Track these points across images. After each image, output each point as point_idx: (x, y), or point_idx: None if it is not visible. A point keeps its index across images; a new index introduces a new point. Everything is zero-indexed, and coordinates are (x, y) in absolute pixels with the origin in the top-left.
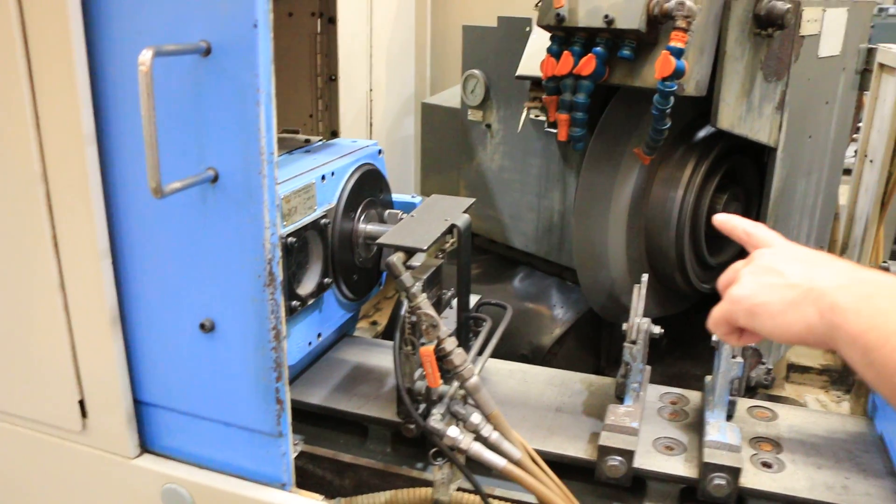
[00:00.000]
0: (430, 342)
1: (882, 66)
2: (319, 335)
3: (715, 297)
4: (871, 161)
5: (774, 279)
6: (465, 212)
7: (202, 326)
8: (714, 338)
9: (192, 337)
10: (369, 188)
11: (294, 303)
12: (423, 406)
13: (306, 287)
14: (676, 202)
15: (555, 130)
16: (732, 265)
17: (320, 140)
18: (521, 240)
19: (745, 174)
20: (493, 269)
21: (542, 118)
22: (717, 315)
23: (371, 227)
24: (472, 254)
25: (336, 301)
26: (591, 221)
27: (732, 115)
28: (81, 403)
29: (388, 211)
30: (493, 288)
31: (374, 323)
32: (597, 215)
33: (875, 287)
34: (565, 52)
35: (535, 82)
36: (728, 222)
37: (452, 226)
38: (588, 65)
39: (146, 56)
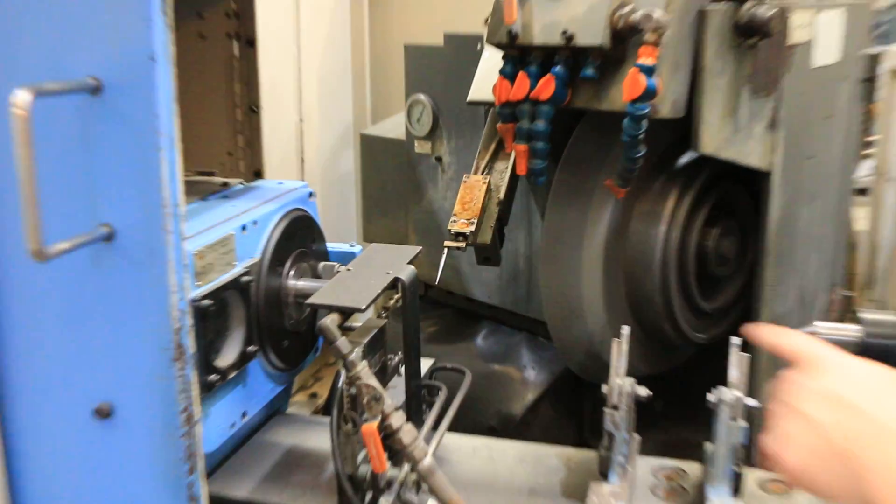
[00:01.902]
0: (374, 418)
1: (895, 72)
2: (244, 414)
3: (713, 348)
4: (890, 179)
5: (825, 446)
6: (411, 262)
7: (97, 412)
8: (712, 396)
9: (86, 425)
10: (300, 238)
11: (212, 377)
12: (368, 495)
13: (226, 358)
14: (659, 240)
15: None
16: (783, 375)
17: (240, 183)
18: (482, 290)
19: (737, 204)
20: (452, 325)
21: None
22: (764, 450)
23: (303, 284)
24: (427, 309)
25: (264, 372)
26: (562, 266)
27: (717, 138)
28: None
29: (322, 264)
30: (452, 348)
31: (314, 395)
32: (567, 259)
33: None
34: (520, 73)
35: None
36: (762, 336)
37: (396, 279)
38: (547, 87)
39: (23, 98)
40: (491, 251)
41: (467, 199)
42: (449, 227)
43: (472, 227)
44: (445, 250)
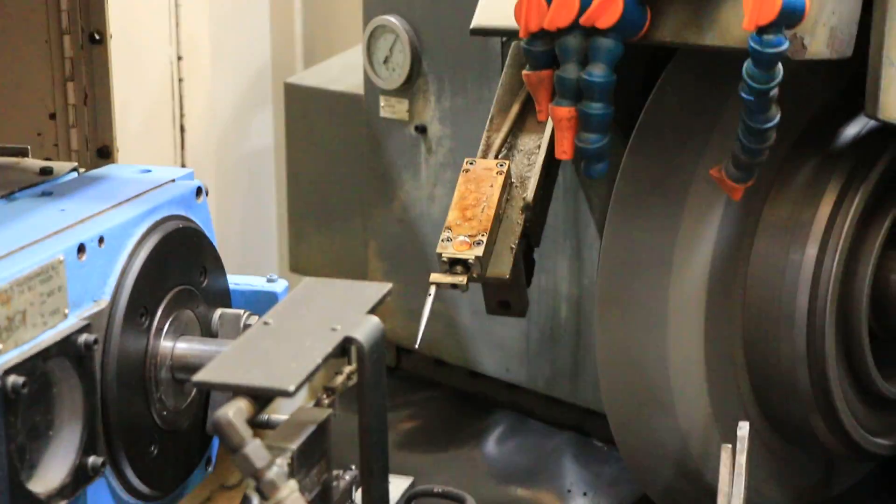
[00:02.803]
0: None
1: None
2: None
3: None
4: None
5: None
6: (373, 310)
7: None
8: None
9: None
10: (180, 267)
11: None
12: None
13: (50, 476)
14: (805, 272)
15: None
16: None
17: (74, 169)
18: (496, 360)
19: None
20: (444, 419)
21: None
22: None
23: (185, 348)
24: (403, 390)
25: (115, 501)
26: (633, 318)
27: None
28: None
29: (219, 312)
30: (445, 458)
31: None
32: (643, 305)
33: None
34: None
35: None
36: None
37: (348, 340)
38: (610, 7)
39: None
40: (511, 291)
41: (471, 200)
42: (439, 251)
43: (480, 251)
44: (432, 290)
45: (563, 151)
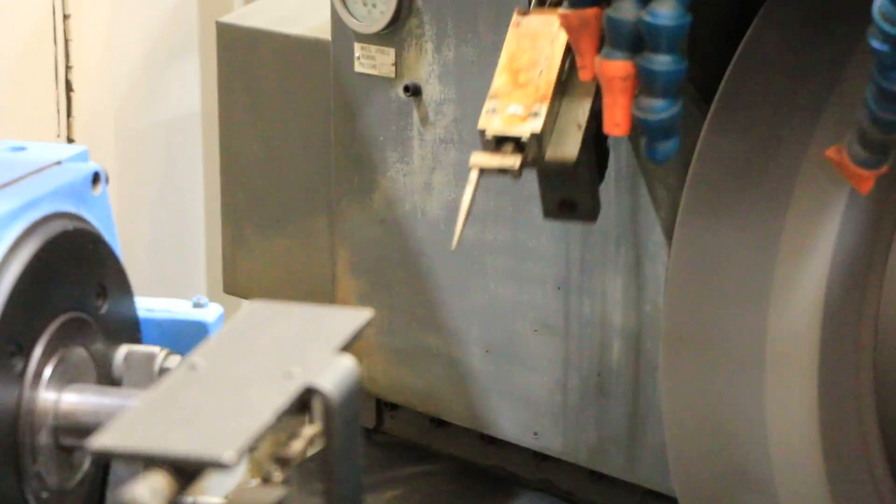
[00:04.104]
0: None
1: None
2: None
3: None
4: None
5: None
6: (345, 349)
7: None
8: None
9: None
10: (68, 285)
11: None
12: None
13: None
14: None
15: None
16: None
17: None
18: (519, 420)
19: None
20: (448, 501)
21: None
22: None
23: (74, 400)
24: (389, 462)
25: None
26: (715, 360)
27: None
28: None
29: (123, 349)
30: None
31: None
32: (730, 342)
33: None
34: None
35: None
36: None
37: (310, 391)
38: None
39: None
40: (578, 185)
41: (524, 62)
42: (481, 127)
43: (537, 125)
44: (474, 175)
45: (616, 124)
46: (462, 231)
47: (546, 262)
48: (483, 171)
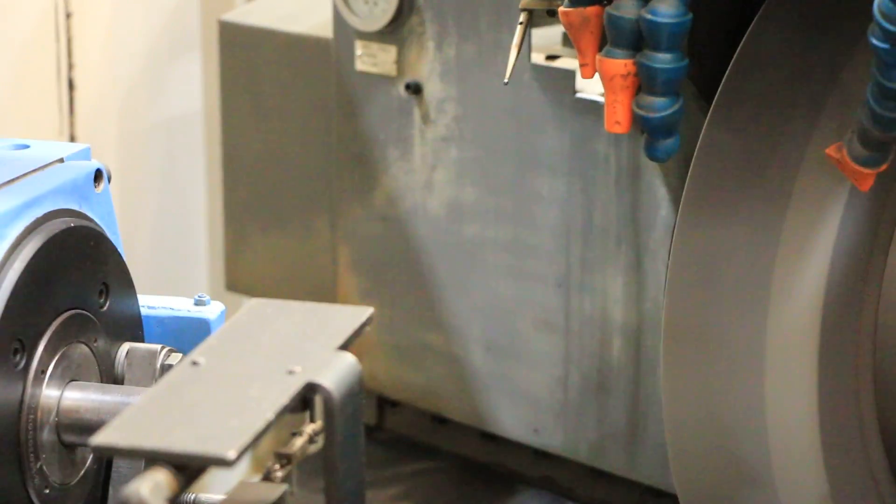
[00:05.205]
0: None
1: None
2: None
3: None
4: None
5: None
6: (346, 346)
7: None
8: None
9: None
10: (71, 282)
11: None
12: None
13: None
14: None
15: (592, 97)
16: None
17: None
18: (520, 417)
19: None
20: (449, 499)
21: (563, 61)
22: None
23: (76, 398)
24: (391, 459)
25: None
26: (715, 358)
27: None
28: None
29: (126, 346)
30: None
31: None
32: (729, 339)
33: None
34: None
35: None
36: None
37: (311, 388)
38: None
39: None
40: None
41: None
42: None
43: None
44: (523, 16)
45: (617, 122)
46: (512, 65)
47: (547, 260)
48: (532, 13)
